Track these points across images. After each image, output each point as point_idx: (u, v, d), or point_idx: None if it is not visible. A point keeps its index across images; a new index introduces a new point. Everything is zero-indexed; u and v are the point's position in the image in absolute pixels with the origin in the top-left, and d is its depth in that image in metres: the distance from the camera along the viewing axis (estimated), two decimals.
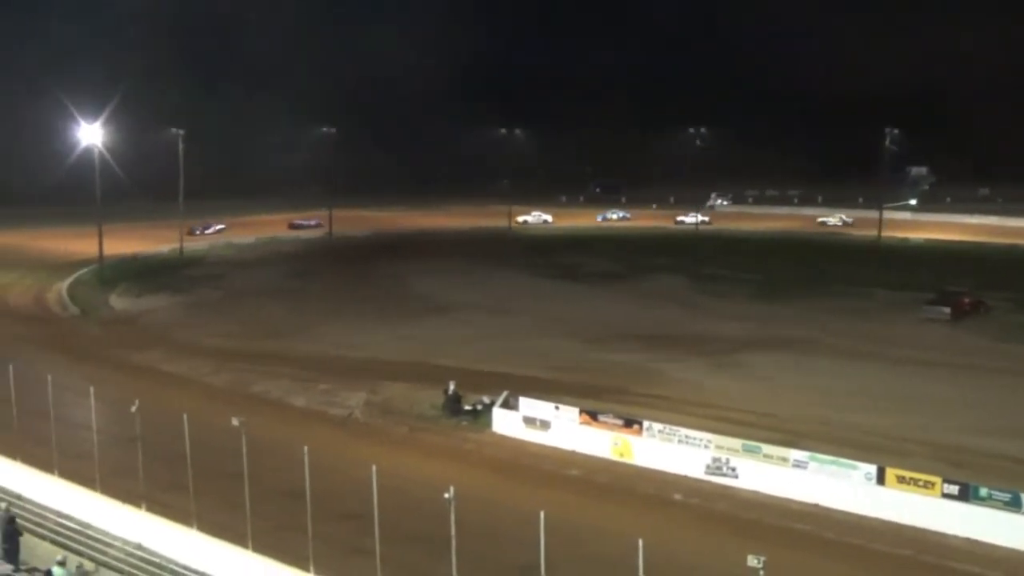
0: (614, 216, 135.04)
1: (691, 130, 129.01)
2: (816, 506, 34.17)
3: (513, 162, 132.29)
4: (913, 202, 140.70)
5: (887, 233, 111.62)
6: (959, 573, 29.53)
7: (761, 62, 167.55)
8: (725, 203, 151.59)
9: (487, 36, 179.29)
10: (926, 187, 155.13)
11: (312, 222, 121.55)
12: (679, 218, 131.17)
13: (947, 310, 67.26)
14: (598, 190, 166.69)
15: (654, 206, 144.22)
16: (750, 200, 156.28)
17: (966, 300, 69.11)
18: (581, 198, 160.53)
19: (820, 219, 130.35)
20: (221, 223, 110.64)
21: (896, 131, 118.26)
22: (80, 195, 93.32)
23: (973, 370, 53.03)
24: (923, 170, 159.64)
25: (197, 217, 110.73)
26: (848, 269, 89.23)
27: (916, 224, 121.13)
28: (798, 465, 36.07)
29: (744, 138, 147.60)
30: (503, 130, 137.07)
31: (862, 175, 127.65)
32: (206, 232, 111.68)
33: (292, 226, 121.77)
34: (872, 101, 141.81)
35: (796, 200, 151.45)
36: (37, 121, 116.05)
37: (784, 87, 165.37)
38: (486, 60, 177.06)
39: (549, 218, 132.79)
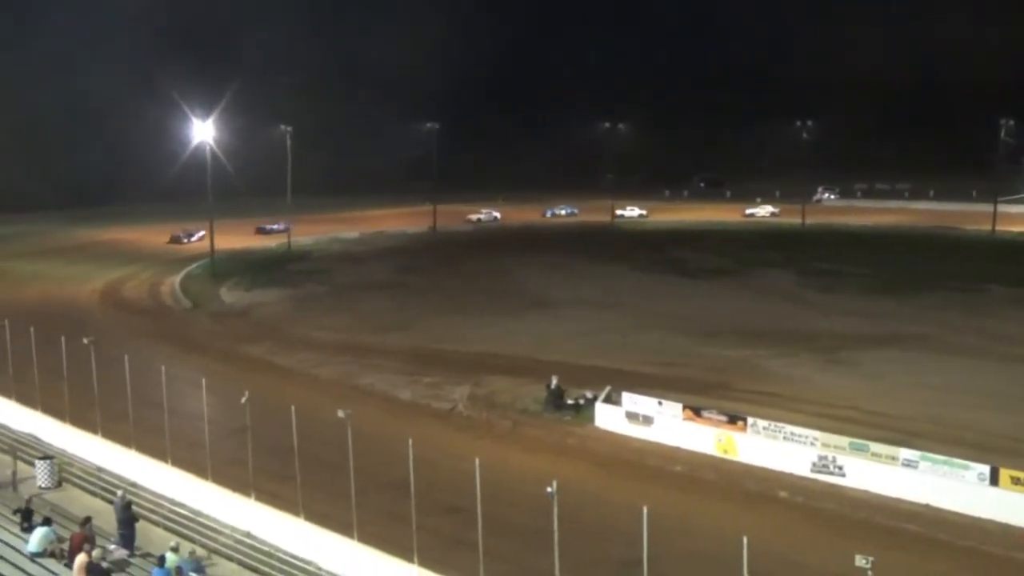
0: (563, 212, 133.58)
1: (799, 123, 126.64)
2: (927, 507, 33.43)
3: (617, 157, 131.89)
4: None
5: (1001, 228, 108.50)
6: None
7: (874, 52, 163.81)
8: (833, 197, 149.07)
9: (586, 29, 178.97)
10: None
11: (279, 226, 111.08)
12: (618, 212, 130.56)
13: None
14: (702, 184, 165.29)
15: (758, 199, 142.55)
16: (858, 194, 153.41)
17: None
18: (685, 192, 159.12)
19: (748, 211, 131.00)
20: (202, 230, 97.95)
21: (1012, 122, 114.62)
22: (192, 192, 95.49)
23: None
24: None
25: (307, 213, 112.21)
26: (962, 264, 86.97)
27: None
28: (908, 464, 35.33)
29: (854, 131, 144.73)
30: (606, 124, 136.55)
31: (976, 168, 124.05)
32: (191, 240, 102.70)
33: (259, 231, 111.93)
34: (988, 92, 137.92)
35: (906, 194, 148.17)
36: (151, 119, 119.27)
37: (897, 78, 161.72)
38: (588, 53, 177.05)
39: (498, 214, 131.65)
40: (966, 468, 34.23)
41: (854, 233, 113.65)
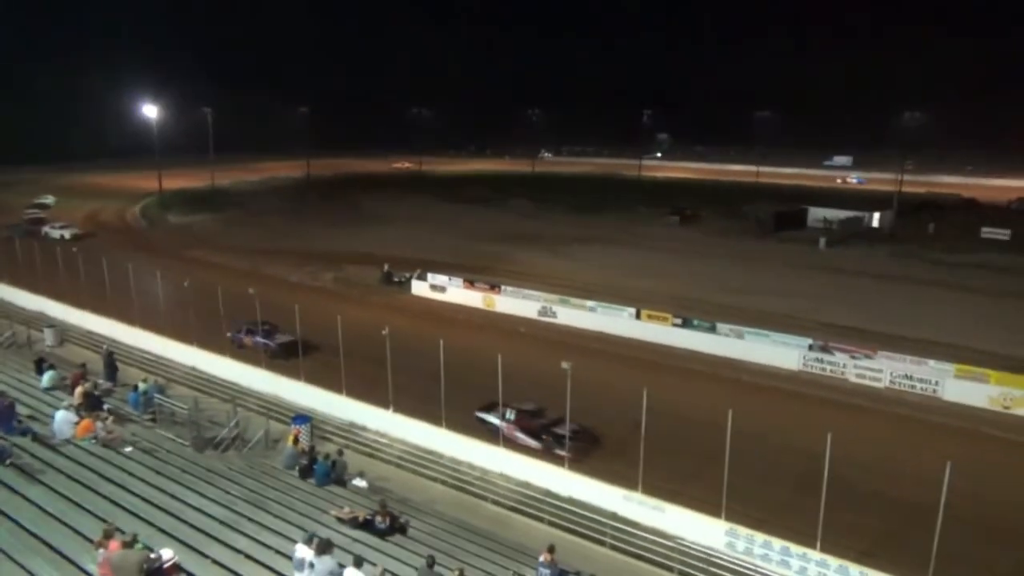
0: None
1: (531, 111, 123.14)
2: (602, 333, 35.57)
3: (425, 132, 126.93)
4: None
5: (647, 173, 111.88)
6: (675, 366, 31.25)
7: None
8: (549, 155, 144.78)
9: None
10: None
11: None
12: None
13: (676, 218, 69.12)
14: (472, 148, 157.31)
15: (506, 157, 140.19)
16: (564, 153, 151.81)
17: (687, 212, 70.76)
18: (463, 152, 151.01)
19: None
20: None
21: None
22: (145, 151, 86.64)
23: (689, 255, 55.00)
24: None
25: (227, 165, 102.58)
26: (622, 195, 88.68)
27: None
28: (592, 309, 37.15)
29: (567, 118, 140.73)
30: (415, 109, 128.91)
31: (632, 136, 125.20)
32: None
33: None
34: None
35: (591, 151, 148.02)
36: (115, 97, 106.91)
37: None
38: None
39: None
40: (622, 310, 36.32)
41: (563, 177, 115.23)
